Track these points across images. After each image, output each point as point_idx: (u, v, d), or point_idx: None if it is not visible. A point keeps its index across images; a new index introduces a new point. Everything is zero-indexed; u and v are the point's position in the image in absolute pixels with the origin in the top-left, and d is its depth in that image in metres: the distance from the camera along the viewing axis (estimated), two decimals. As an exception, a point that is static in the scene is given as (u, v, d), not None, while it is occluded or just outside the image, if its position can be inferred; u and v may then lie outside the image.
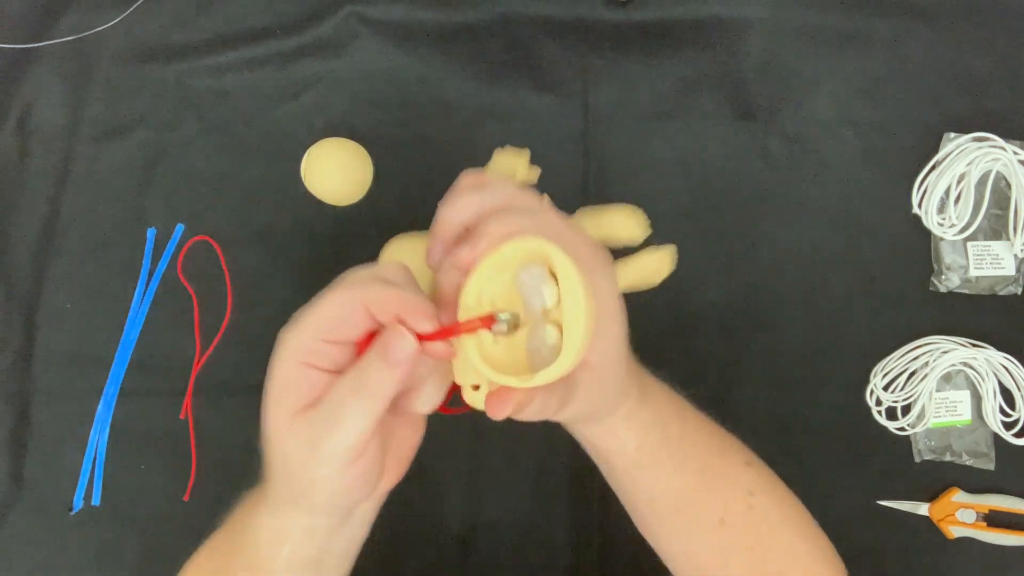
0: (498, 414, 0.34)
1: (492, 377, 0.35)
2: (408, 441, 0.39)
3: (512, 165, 0.56)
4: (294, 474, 0.34)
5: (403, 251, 0.65)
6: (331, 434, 0.32)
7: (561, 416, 0.38)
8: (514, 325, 0.36)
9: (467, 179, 0.40)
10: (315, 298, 0.34)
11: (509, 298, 0.36)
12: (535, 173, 0.58)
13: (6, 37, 0.73)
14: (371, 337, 0.35)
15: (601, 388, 0.39)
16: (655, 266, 0.62)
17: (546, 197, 0.40)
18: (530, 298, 0.36)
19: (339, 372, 0.34)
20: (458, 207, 0.38)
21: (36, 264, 0.68)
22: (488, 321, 0.35)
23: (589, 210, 0.63)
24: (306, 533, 0.38)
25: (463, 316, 0.36)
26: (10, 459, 0.65)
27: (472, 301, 0.36)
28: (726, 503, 0.45)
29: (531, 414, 0.35)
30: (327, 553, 0.39)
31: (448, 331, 0.34)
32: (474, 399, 0.37)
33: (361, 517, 0.41)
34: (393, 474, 0.38)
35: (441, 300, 0.37)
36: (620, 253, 0.53)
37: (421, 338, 0.33)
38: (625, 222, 0.63)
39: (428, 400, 0.37)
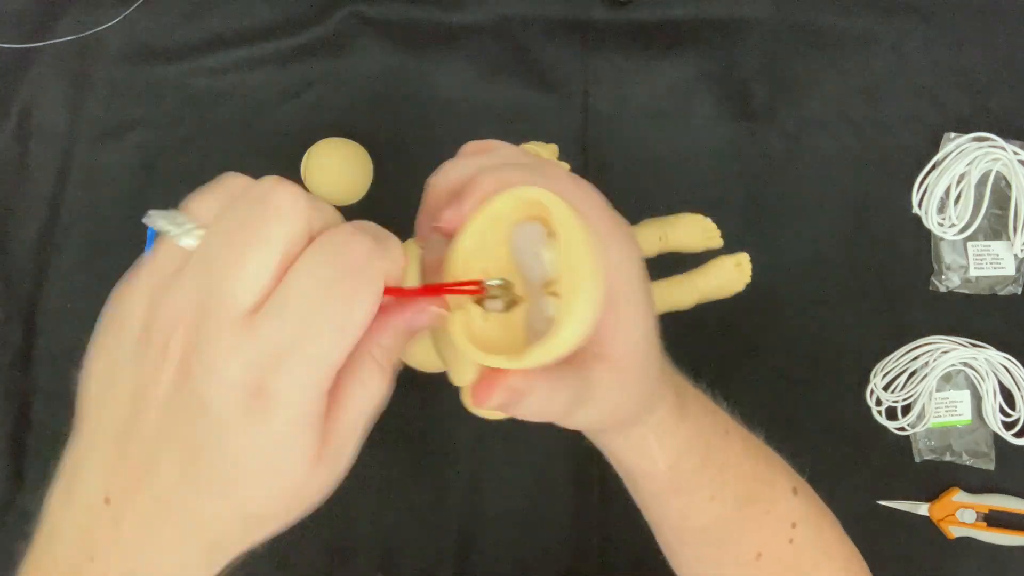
0: (482, 401, 0.28)
1: (475, 357, 0.28)
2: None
3: (705, 228, 0.56)
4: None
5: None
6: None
7: (577, 420, 0.31)
8: (510, 300, 0.30)
9: (470, 145, 0.34)
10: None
11: (505, 270, 0.31)
12: (553, 148, 0.58)
13: (6, 37, 0.72)
14: None
15: (624, 388, 0.32)
16: (732, 274, 0.63)
17: (565, 166, 0.35)
18: (528, 266, 0.30)
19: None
20: (446, 171, 0.32)
21: (36, 264, 0.68)
22: (471, 289, 0.29)
23: (654, 221, 0.64)
24: None
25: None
26: (10, 459, 0.65)
27: (460, 271, 0.30)
28: (766, 536, 0.40)
29: (534, 409, 0.29)
30: None
31: (418, 291, 0.28)
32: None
33: None
34: None
35: (426, 279, 0.31)
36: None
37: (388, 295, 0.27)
38: (692, 228, 0.64)
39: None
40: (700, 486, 0.38)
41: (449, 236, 0.30)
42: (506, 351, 0.28)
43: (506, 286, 0.30)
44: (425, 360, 0.56)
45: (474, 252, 0.30)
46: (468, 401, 0.31)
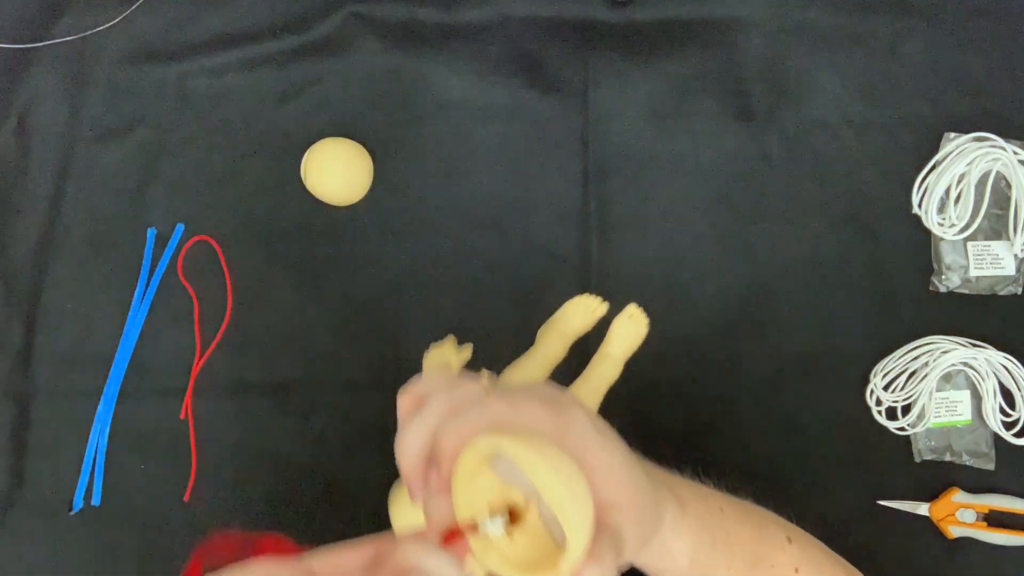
0: None
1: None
2: None
3: (445, 358, 0.58)
4: None
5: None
6: None
7: (626, 560, 0.36)
8: (515, 515, 0.34)
9: (403, 403, 0.38)
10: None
11: (502, 491, 0.35)
12: (466, 352, 0.61)
13: (6, 37, 0.73)
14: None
15: (640, 517, 0.36)
16: (630, 328, 0.66)
17: (483, 373, 0.40)
18: (519, 479, 0.34)
19: None
20: (408, 443, 0.36)
21: (36, 264, 0.68)
22: (464, 532, 0.33)
23: (547, 326, 0.67)
24: None
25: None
26: (10, 459, 0.65)
27: (467, 514, 0.34)
28: None
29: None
30: None
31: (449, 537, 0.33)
32: None
33: None
34: None
35: (444, 532, 0.36)
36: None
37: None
38: (578, 312, 0.66)
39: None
40: (716, 565, 0.43)
41: (444, 494, 0.35)
42: (544, 550, 0.34)
43: (510, 511, 0.34)
44: None
45: (471, 495, 0.34)
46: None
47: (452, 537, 0.33)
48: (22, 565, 0.64)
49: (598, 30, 0.72)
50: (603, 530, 0.33)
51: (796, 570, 0.45)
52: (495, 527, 0.33)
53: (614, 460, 0.35)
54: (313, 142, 0.68)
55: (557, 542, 0.34)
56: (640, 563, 0.42)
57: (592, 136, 0.70)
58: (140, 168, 0.70)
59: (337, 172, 0.67)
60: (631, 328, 0.66)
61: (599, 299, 0.66)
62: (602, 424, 0.36)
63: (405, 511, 0.53)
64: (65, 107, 0.71)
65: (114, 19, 0.73)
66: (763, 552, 0.45)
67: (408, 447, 0.36)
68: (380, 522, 0.64)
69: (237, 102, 0.71)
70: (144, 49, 0.73)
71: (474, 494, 0.34)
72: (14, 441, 0.65)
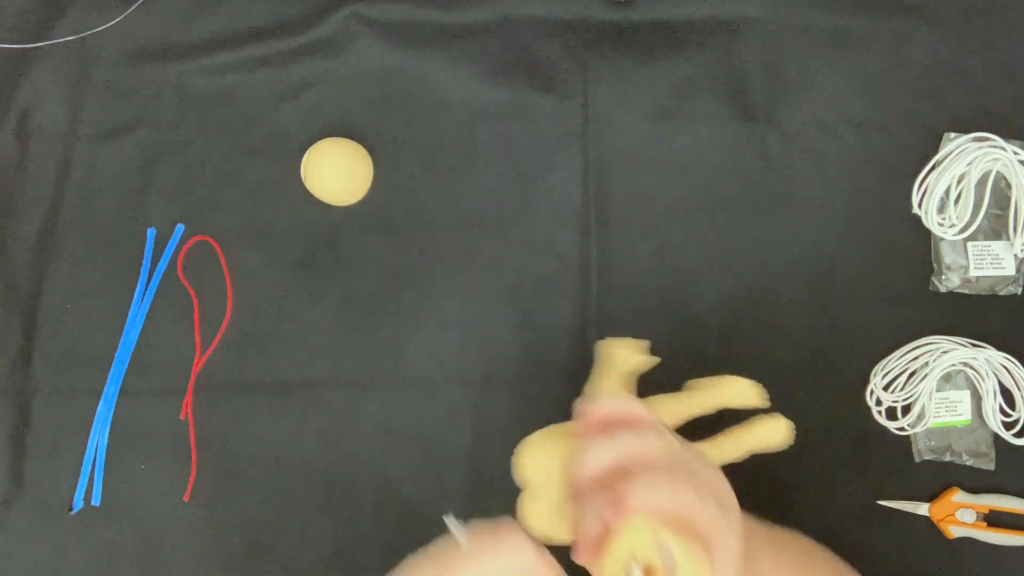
0: None
1: None
2: None
3: (625, 358, 0.55)
4: None
5: (543, 453, 0.59)
6: None
7: None
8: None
9: (590, 417, 0.42)
10: None
11: (648, 550, 0.38)
12: (652, 361, 0.57)
13: (6, 37, 0.73)
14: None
15: None
16: (771, 436, 0.57)
17: (662, 428, 0.42)
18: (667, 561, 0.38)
19: None
20: (593, 461, 0.40)
21: (36, 264, 0.68)
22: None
23: (703, 382, 0.60)
24: None
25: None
26: (10, 459, 0.65)
27: (617, 566, 0.39)
28: None
29: None
30: None
31: None
32: None
33: None
34: None
35: (581, 540, 0.40)
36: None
37: None
38: (738, 394, 0.60)
39: None
40: None
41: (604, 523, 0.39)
42: None
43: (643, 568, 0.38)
44: None
45: (629, 543, 0.38)
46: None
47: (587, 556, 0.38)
48: (22, 565, 0.64)
49: (598, 30, 0.72)
50: None
51: None
52: None
53: (731, 555, 0.39)
54: (313, 142, 0.68)
55: None
56: None
57: (592, 136, 0.70)
58: (140, 168, 0.70)
59: (337, 172, 0.67)
60: (774, 437, 0.57)
61: (764, 393, 0.58)
62: (740, 539, 0.39)
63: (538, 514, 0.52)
64: (65, 107, 0.71)
65: (114, 19, 0.73)
66: None
67: (592, 464, 0.40)
68: (380, 522, 0.64)
69: (237, 102, 0.71)
70: (144, 49, 0.73)
71: (631, 544, 0.38)
72: (14, 441, 0.65)
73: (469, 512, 0.64)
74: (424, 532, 0.64)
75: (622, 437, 0.40)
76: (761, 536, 0.46)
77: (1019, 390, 0.64)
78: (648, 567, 0.38)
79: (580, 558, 0.41)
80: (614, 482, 0.39)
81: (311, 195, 0.68)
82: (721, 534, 0.38)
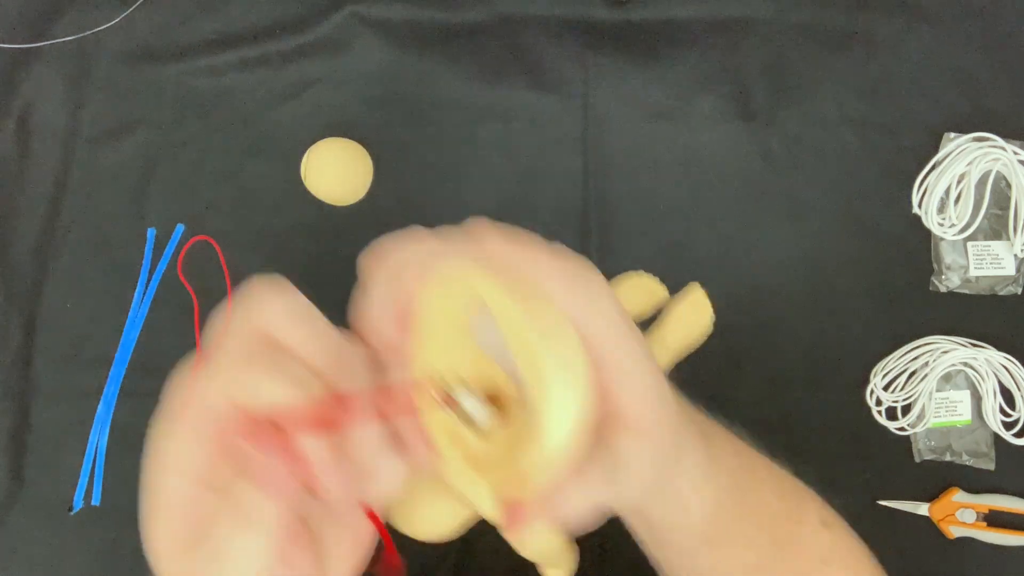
0: (519, 530, 0.25)
1: (471, 494, 0.25)
2: (360, 526, 0.29)
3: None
4: None
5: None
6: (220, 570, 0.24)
7: (620, 497, 0.28)
8: (506, 398, 0.25)
9: (371, 262, 0.29)
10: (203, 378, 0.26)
11: (485, 374, 0.26)
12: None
13: (6, 37, 0.73)
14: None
15: (651, 448, 0.28)
16: (693, 316, 0.54)
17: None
18: (502, 358, 0.25)
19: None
20: (379, 298, 0.28)
21: (36, 264, 0.68)
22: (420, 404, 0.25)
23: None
24: None
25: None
26: (10, 459, 0.65)
27: (429, 387, 0.26)
28: None
29: (575, 509, 0.26)
30: None
31: (328, 421, 0.24)
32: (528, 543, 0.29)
33: None
34: (341, 574, 0.29)
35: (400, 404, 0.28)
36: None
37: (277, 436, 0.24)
38: (635, 295, 0.56)
39: (383, 486, 0.26)
40: (735, 534, 0.35)
41: (404, 358, 0.27)
42: (520, 459, 0.24)
43: (489, 385, 0.25)
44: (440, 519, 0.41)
45: (440, 359, 0.25)
46: (507, 536, 0.27)
47: (404, 410, 0.25)
48: (22, 565, 0.64)
49: (598, 30, 0.72)
50: (602, 449, 0.26)
51: (825, 562, 0.38)
52: (473, 407, 0.25)
53: (638, 365, 0.27)
54: (313, 142, 0.68)
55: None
56: (643, 511, 0.34)
57: (592, 136, 0.70)
58: (140, 168, 0.70)
59: (337, 172, 0.67)
60: (693, 317, 0.53)
61: (658, 281, 0.54)
62: (631, 321, 0.27)
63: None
64: (65, 107, 0.71)
65: (114, 19, 0.73)
66: (793, 532, 0.38)
67: (377, 303, 0.28)
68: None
69: (237, 102, 0.71)
70: (144, 49, 0.73)
71: (446, 362, 0.25)
72: (14, 441, 0.65)
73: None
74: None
75: (414, 247, 0.28)
76: (720, 434, 0.37)
77: (1019, 390, 0.64)
78: (491, 397, 0.25)
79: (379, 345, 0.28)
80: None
81: (311, 195, 0.68)
82: (619, 338, 0.26)
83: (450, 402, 0.25)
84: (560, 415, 0.22)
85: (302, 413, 0.24)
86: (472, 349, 0.26)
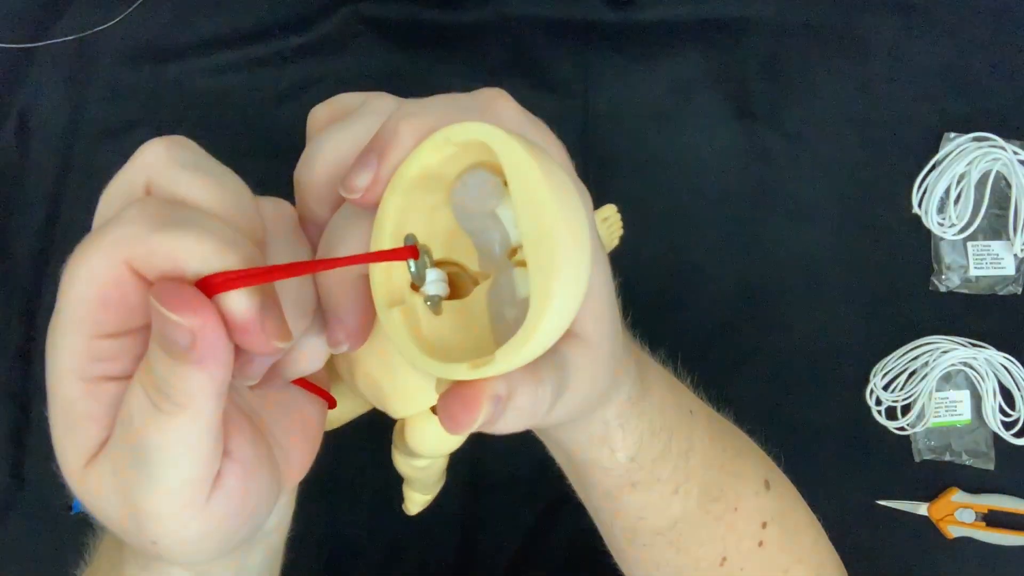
0: (463, 424, 0.21)
1: (429, 368, 0.21)
2: (306, 412, 0.27)
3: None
4: (125, 534, 0.22)
5: None
6: (145, 483, 0.20)
7: (553, 417, 0.25)
8: (465, 280, 0.24)
9: (319, 115, 0.28)
10: (72, 257, 0.22)
11: (451, 242, 0.24)
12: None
13: (6, 37, 0.73)
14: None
15: (598, 368, 0.26)
16: (606, 233, 0.54)
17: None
18: (482, 231, 0.22)
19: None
20: (332, 147, 0.25)
21: (36, 264, 0.68)
22: (399, 253, 0.22)
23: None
24: None
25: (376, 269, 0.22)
26: (10, 459, 0.65)
27: (389, 246, 0.22)
28: (732, 536, 0.36)
29: (520, 417, 0.22)
30: None
31: (289, 269, 0.20)
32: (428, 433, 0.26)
33: (270, 527, 0.29)
34: (297, 463, 0.27)
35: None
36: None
37: (214, 286, 0.19)
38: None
39: (310, 360, 0.25)
40: (662, 478, 0.33)
41: (367, 208, 0.23)
42: (468, 354, 0.21)
43: (451, 262, 0.23)
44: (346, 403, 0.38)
45: (404, 222, 0.23)
46: (421, 434, 0.25)
47: (327, 264, 0.22)
48: (22, 565, 0.64)
49: (598, 30, 0.72)
50: (551, 354, 0.23)
51: (764, 525, 0.36)
52: (434, 283, 0.22)
53: (603, 291, 0.26)
54: (313, 142, 0.68)
55: (497, 342, 0.22)
56: (560, 441, 0.32)
57: (592, 136, 0.70)
58: (140, 168, 0.70)
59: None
60: (603, 231, 0.54)
61: (615, 209, 0.53)
62: (603, 252, 0.27)
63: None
64: (65, 107, 0.71)
65: (114, 19, 0.73)
66: (729, 487, 0.35)
67: (333, 145, 0.25)
68: (378, 520, 0.64)
69: (237, 102, 0.71)
70: (144, 49, 0.73)
71: (410, 222, 0.23)
72: (14, 441, 0.65)
73: (469, 510, 0.64)
74: (424, 532, 0.64)
75: (367, 106, 0.25)
76: (657, 372, 0.35)
77: (1019, 390, 0.64)
78: (450, 275, 0.23)
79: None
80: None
81: (311, 195, 0.68)
82: (577, 189, 0.23)
83: (419, 267, 0.22)
84: (561, 300, 0.20)
85: (235, 273, 0.19)
86: (444, 216, 0.23)
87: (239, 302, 0.19)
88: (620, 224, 0.56)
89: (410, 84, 0.71)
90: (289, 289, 0.23)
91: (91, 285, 0.21)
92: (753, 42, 0.72)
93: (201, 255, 0.20)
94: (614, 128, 0.70)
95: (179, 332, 0.19)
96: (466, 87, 0.70)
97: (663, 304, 0.67)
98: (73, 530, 0.64)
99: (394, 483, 0.65)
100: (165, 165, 0.23)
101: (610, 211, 0.56)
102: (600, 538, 0.63)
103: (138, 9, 0.73)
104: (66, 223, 0.69)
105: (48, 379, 0.22)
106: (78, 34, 0.73)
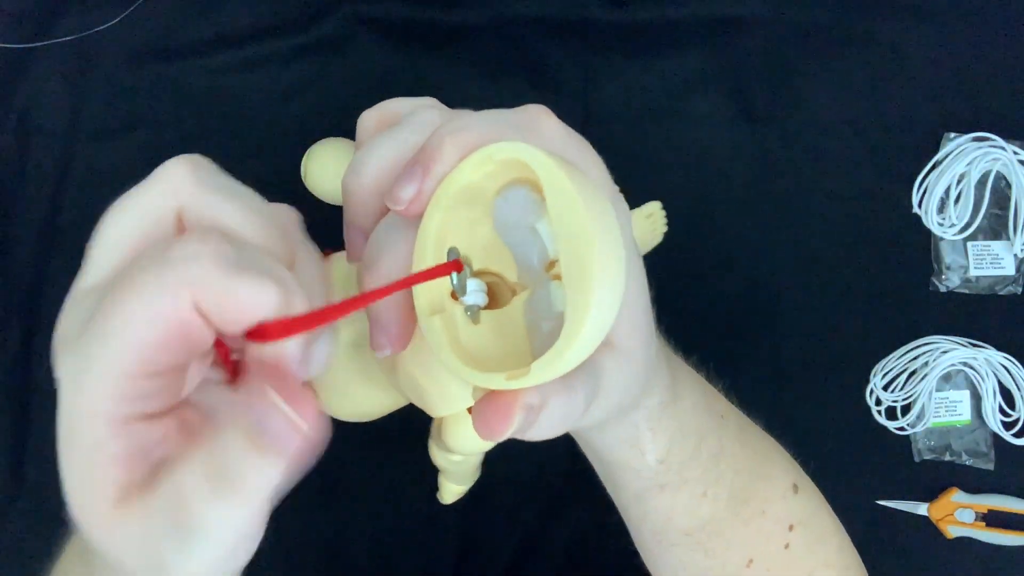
0: (497, 431, 0.22)
1: (468, 377, 0.23)
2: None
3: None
4: None
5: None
6: (183, 554, 0.20)
7: (583, 422, 0.26)
8: (503, 292, 0.25)
9: (369, 120, 0.28)
10: (125, 291, 0.21)
11: (492, 255, 0.25)
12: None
13: (6, 37, 0.72)
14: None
15: (631, 375, 0.27)
16: (645, 226, 0.56)
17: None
18: (521, 245, 0.24)
19: (178, 407, 0.22)
20: (384, 151, 0.25)
21: (36, 264, 0.68)
22: (443, 269, 0.23)
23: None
24: None
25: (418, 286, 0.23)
26: (10, 459, 0.65)
27: (431, 260, 0.23)
28: (760, 540, 0.36)
29: (553, 425, 0.23)
30: None
31: (352, 303, 0.20)
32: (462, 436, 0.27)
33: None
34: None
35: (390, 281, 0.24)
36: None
37: (273, 333, 0.19)
38: (640, 227, 0.58)
39: (316, 362, 0.24)
40: (691, 481, 0.33)
41: (410, 218, 0.24)
42: (504, 362, 0.23)
43: (490, 272, 0.24)
44: (363, 400, 0.40)
45: (446, 235, 0.24)
46: (457, 433, 0.25)
47: (398, 286, 0.22)
48: (22, 565, 0.64)
49: (598, 30, 0.72)
50: (586, 363, 0.23)
51: (790, 528, 0.37)
52: (475, 293, 0.24)
53: (639, 299, 0.26)
54: (313, 142, 0.68)
55: (533, 352, 0.23)
56: (593, 443, 0.32)
57: (592, 136, 0.70)
58: (140, 168, 0.70)
59: (337, 172, 0.67)
60: (647, 228, 0.54)
61: (659, 206, 0.53)
62: (640, 261, 0.27)
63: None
64: (65, 107, 0.71)
65: (114, 19, 0.73)
66: (757, 490, 0.36)
67: (376, 158, 0.25)
68: (378, 520, 0.64)
69: (237, 102, 0.71)
70: (144, 49, 0.73)
71: (451, 235, 0.24)
72: (14, 441, 0.65)
73: (469, 511, 0.64)
74: (423, 533, 0.64)
75: (416, 116, 0.26)
76: (689, 376, 0.36)
77: (1019, 390, 0.64)
78: (490, 286, 0.24)
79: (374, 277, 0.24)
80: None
81: (311, 195, 0.68)
82: (613, 201, 0.25)
83: (461, 279, 0.23)
84: (595, 319, 0.21)
85: (292, 321, 0.18)
86: (486, 230, 0.24)
87: (292, 348, 0.20)
88: (664, 221, 0.58)
89: (409, 84, 0.71)
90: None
91: (154, 326, 0.20)
92: (753, 42, 0.72)
93: (269, 304, 0.20)
94: (614, 128, 0.70)
95: (284, 428, 0.19)
96: (466, 87, 0.71)
97: (663, 304, 0.67)
98: (73, 531, 0.64)
99: (394, 485, 0.65)
100: (197, 189, 0.23)
101: (654, 208, 0.57)
102: (599, 538, 0.63)
103: (138, 9, 0.73)
104: (66, 223, 0.69)
105: (67, 417, 0.20)
106: (78, 34, 0.73)
